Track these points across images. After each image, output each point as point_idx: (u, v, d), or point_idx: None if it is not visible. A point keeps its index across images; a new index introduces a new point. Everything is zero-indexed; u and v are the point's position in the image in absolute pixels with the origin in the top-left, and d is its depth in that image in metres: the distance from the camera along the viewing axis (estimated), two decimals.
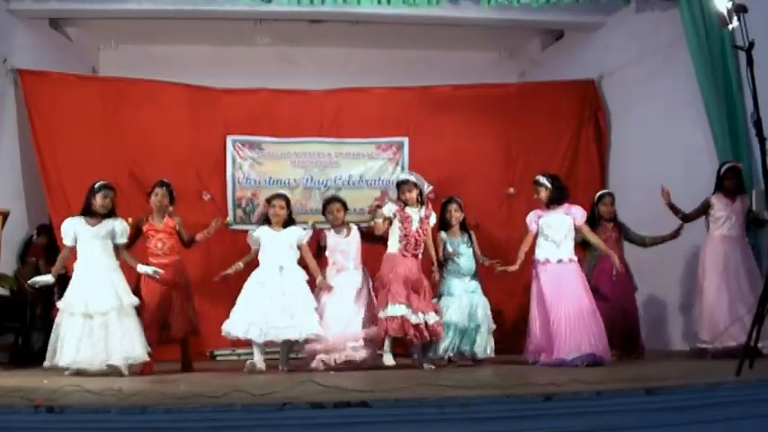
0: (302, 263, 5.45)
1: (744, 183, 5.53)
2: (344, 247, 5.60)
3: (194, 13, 6.99)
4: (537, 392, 3.02)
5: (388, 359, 5.23)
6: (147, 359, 5.07)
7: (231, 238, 6.72)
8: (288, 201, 5.55)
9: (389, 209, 5.62)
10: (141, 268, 5.27)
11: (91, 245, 5.08)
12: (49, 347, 4.96)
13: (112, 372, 4.84)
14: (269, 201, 5.62)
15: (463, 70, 8.08)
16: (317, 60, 8.21)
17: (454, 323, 5.51)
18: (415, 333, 5.27)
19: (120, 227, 5.20)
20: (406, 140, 7.25)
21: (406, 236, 5.47)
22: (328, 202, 5.79)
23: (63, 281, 5.36)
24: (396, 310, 5.22)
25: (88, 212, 5.15)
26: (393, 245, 5.51)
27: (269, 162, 7.21)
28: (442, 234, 5.77)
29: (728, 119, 5.68)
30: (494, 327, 5.70)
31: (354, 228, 5.76)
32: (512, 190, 7.31)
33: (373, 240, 5.76)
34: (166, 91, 7.16)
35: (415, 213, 5.56)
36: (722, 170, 5.55)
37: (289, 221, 5.50)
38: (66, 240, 5.15)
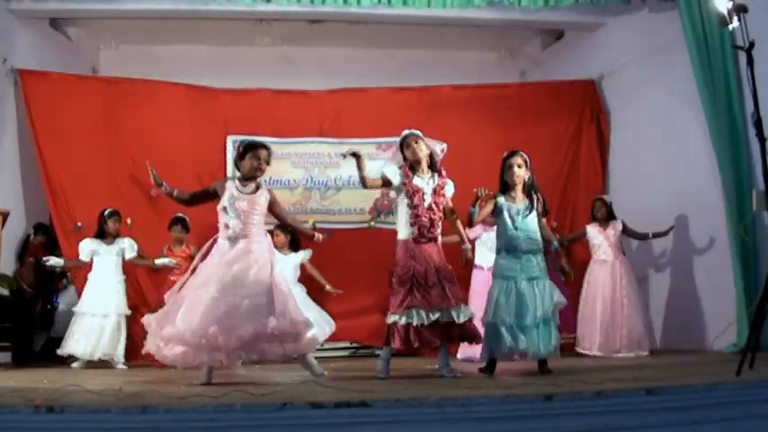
0: None
1: (612, 210, 6.34)
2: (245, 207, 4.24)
3: (194, 13, 6.99)
4: (537, 392, 3.01)
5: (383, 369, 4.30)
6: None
7: None
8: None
9: (393, 172, 4.43)
10: (159, 261, 6.29)
11: (106, 260, 6.11)
12: (65, 340, 5.91)
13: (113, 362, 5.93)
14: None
15: (463, 70, 8.09)
16: (317, 60, 8.21)
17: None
18: (433, 335, 4.24)
19: (128, 244, 6.19)
20: None
21: (417, 216, 4.33)
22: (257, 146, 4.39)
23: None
24: (407, 317, 4.22)
25: (102, 235, 6.14)
26: (403, 229, 4.41)
27: None
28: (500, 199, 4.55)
29: (728, 119, 5.67)
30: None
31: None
32: None
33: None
34: (166, 91, 7.17)
35: (426, 185, 4.44)
36: (593, 203, 6.46)
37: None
38: (83, 256, 6.09)
